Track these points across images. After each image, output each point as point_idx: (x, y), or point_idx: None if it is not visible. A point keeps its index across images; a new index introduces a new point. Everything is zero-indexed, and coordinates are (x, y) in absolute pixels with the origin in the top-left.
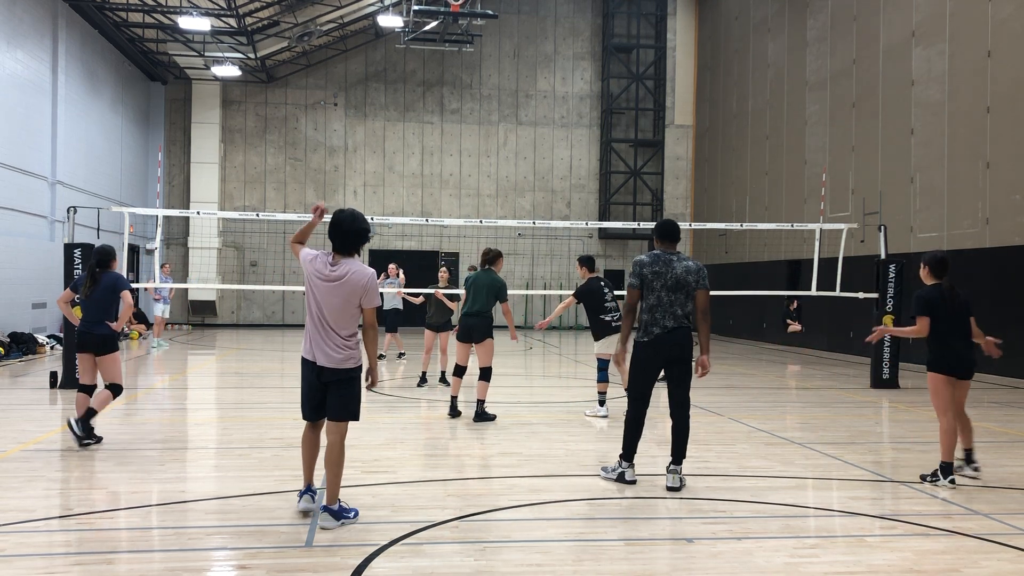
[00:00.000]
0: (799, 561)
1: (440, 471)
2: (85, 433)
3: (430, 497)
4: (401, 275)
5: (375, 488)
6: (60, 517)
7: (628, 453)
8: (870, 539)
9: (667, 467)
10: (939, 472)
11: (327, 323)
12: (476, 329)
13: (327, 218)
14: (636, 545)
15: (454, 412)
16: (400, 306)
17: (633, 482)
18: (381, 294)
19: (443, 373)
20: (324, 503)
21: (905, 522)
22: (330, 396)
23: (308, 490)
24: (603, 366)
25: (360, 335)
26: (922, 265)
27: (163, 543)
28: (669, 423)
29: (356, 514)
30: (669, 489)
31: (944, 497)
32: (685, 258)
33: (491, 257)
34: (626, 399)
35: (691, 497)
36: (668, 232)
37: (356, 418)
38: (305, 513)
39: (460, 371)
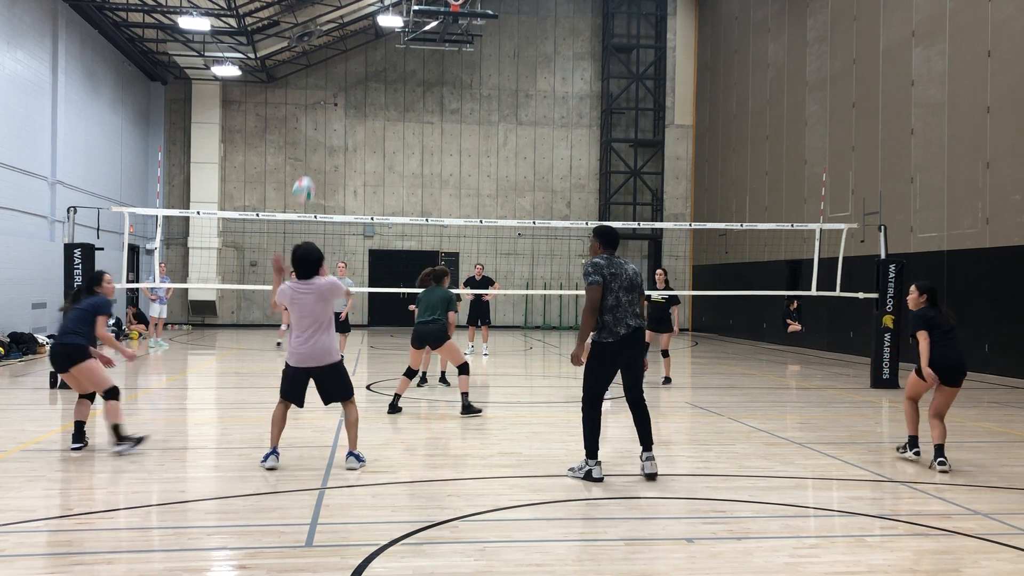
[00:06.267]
0: (799, 561)
1: (440, 471)
2: (127, 441)
3: (430, 497)
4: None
5: (375, 488)
6: (60, 517)
7: (593, 451)
8: (870, 539)
9: (641, 456)
10: (907, 445)
11: (309, 325)
12: (430, 335)
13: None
14: (636, 545)
15: (394, 408)
16: (344, 308)
17: (600, 479)
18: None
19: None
20: (349, 450)
21: (905, 522)
22: (328, 386)
23: (274, 451)
24: None
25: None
26: (915, 292)
27: (163, 543)
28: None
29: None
30: (649, 476)
31: (944, 497)
32: (627, 261)
33: (438, 277)
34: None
35: (691, 497)
36: (613, 239)
37: (353, 393)
38: (271, 469)
39: (411, 373)
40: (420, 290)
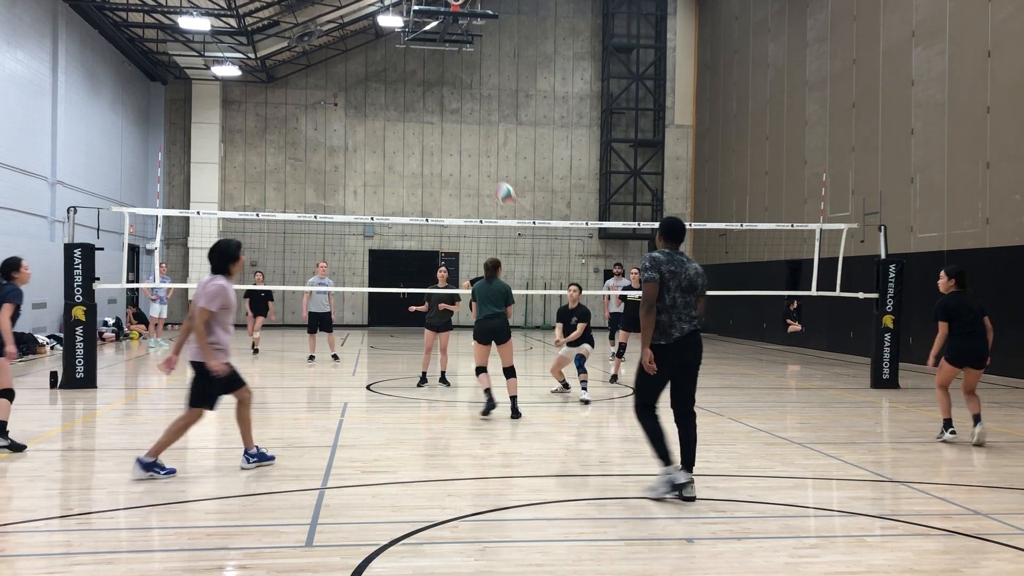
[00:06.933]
0: (799, 561)
1: (440, 471)
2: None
3: (430, 497)
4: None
5: (375, 488)
6: (60, 517)
7: (665, 456)
8: (870, 539)
9: (679, 472)
10: (943, 428)
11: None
12: (499, 331)
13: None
14: (636, 545)
15: (491, 406)
16: (328, 308)
17: (688, 483)
18: (311, 294)
19: (443, 373)
20: (142, 456)
21: (905, 522)
22: (190, 383)
23: (247, 453)
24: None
25: (218, 337)
26: (944, 277)
27: (163, 543)
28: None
29: (170, 472)
30: (687, 499)
31: (944, 497)
32: (690, 259)
33: (494, 268)
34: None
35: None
36: (677, 231)
37: (193, 405)
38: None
39: (484, 370)
40: (433, 289)
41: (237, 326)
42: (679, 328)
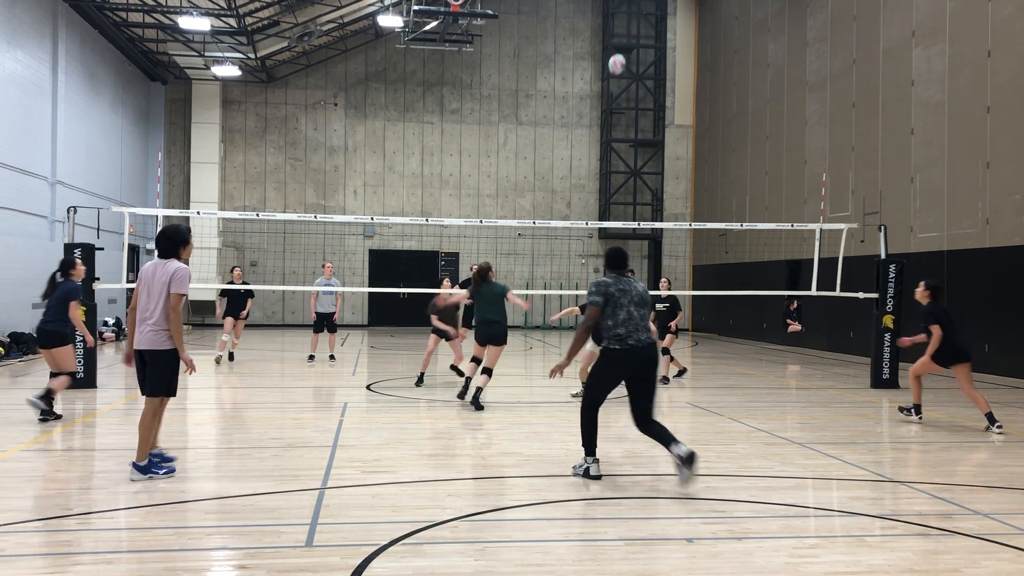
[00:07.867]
0: (799, 561)
1: (440, 471)
2: (46, 406)
3: (430, 497)
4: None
5: (375, 488)
6: (60, 517)
7: (590, 449)
8: (870, 539)
9: (671, 450)
10: (912, 409)
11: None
12: (497, 335)
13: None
14: (636, 545)
15: (477, 404)
16: (334, 309)
17: (598, 477)
18: (318, 294)
19: (452, 366)
20: (133, 460)
21: (905, 522)
22: (149, 372)
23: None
24: None
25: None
26: (923, 287)
27: (163, 543)
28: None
29: (169, 471)
30: (688, 458)
31: (944, 497)
32: (636, 280)
33: (485, 272)
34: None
35: (691, 497)
36: (617, 259)
37: (156, 394)
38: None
39: (477, 360)
40: (433, 289)
41: (215, 326)
42: (635, 338)
